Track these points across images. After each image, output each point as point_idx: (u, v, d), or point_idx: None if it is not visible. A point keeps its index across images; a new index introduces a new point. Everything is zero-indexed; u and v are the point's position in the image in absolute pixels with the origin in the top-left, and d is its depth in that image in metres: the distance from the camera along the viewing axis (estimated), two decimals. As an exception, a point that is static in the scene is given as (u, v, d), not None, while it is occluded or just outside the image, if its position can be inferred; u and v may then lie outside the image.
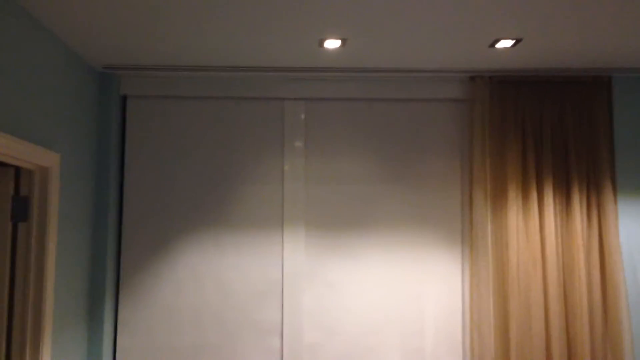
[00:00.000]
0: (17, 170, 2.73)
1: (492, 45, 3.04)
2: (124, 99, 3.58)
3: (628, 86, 3.53)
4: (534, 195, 3.38)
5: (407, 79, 3.57)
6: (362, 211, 3.54)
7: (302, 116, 3.57)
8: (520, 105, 3.46)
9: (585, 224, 3.38)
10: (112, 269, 3.41)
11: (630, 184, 3.48)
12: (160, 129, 3.56)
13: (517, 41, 2.99)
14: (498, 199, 3.41)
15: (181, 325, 3.43)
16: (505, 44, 3.02)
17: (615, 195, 3.42)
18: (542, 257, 3.35)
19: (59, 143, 2.93)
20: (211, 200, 3.52)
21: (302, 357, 3.42)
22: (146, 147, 3.55)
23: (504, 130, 3.44)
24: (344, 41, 2.99)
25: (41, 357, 2.69)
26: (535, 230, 3.35)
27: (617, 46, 3.08)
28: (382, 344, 3.45)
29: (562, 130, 3.46)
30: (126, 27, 2.82)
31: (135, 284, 3.46)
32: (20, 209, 2.71)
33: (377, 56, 3.23)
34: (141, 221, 3.50)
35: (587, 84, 3.48)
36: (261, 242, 3.50)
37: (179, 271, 3.46)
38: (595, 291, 3.32)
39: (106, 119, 3.43)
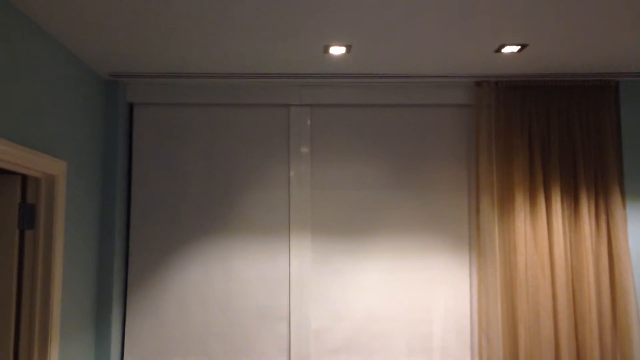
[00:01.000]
0: (24, 178, 2.75)
1: (498, 50, 3.03)
2: (131, 106, 3.60)
3: (635, 91, 3.51)
4: (541, 200, 3.36)
5: (413, 84, 3.56)
6: (369, 217, 3.53)
7: (308, 122, 3.58)
8: (526, 110, 3.45)
9: (593, 229, 3.36)
10: (119, 276, 3.42)
11: (638, 189, 3.45)
12: (166, 136, 3.57)
13: (523, 46, 2.98)
14: (505, 204, 3.40)
15: (190, 335, 3.43)
16: (511, 49, 3.01)
17: (623, 199, 3.40)
18: (550, 263, 3.33)
19: (66, 151, 2.95)
20: (217, 207, 3.52)
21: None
22: (153, 154, 3.56)
23: (511, 135, 3.43)
24: (349, 47, 2.99)
25: (48, 364, 2.70)
26: (543, 235, 3.33)
27: (623, 51, 3.06)
28: (391, 350, 3.43)
29: (569, 135, 3.44)
30: (132, 35, 2.83)
31: (142, 292, 3.46)
32: (27, 217, 2.72)
33: (382, 62, 3.23)
34: (148, 228, 3.50)
35: (594, 89, 3.46)
36: (268, 248, 3.50)
37: (185, 278, 3.47)
38: (605, 296, 3.29)
39: (113, 127, 3.44)
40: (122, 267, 3.46)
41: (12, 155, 2.41)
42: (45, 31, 2.74)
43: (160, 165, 3.55)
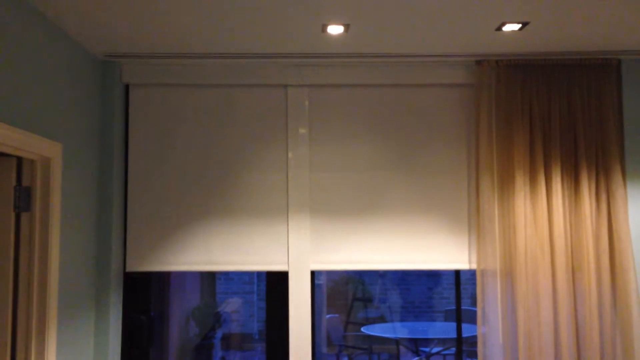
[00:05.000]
0: (19, 160, 2.73)
1: (499, 28, 2.99)
2: (127, 87, 3.56)
3: (637, 69, 3.47)
4: (541, 180, 3.34)
5: (412, 64, 3.52)
6: (368, 198, 3.52)
7: (306, 103, 3.54)
8: (527, 89, 3.42)
9: (594, 209, 3.34)
10: (117, 257, 3.41)
11: (639, 168, 3.43)
12: (163, 117, 3.55)
13: (524, 24, 2.94)
14: (505, 185, 3.38)
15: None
16: (512, 27, 2.97)
17: (624, 179, 3.38)
18: (550, 243, 3.32)
19: (61, 133, 2.92)
20: (215, 188, 3.50)
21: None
22: (149, 135, 3.53)
23: (511, 114, 3.40)
24: (347, 27, 2.95)
25: (47, 347, 2.69)
26: (543, 216, 3.32)
27: (626, 29, 3.03)
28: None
29: (570, 114, 3.41)
30: (128, 15, 2.79)
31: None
32: (23, 199, 2.70)
33: (381, 41, 3.19)
34: (146, 209, 3.49)
35: (596, 68, 3.42)
36: (266, 230, 3.48)
37: (186, 260, 3.46)
38: (604, 277, 3.29)
39: (109, 108, 3.42)
40: (120, 249, 3.45)
41: (7, 138, 2.39)
42: (39, 11, 2.70)
43: (156, 147, 3.53)
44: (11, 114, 2.45)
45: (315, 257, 3.47)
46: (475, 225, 3.48)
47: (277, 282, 3.52)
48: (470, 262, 3.48)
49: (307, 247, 3.46)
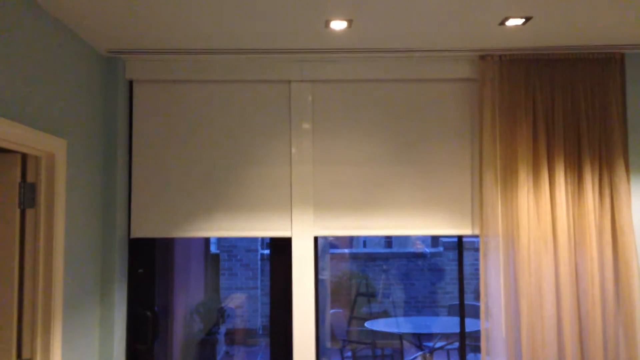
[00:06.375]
0: (24, 156, 2.73)
1: (502, 23, 2.99)
2: (130, 83, 3.57)
3: (641, 63, 3.47)
4: (545, 174, 3.34)
5: (415, 59, 3.52)
6: (371, 193, 3.52)
7: (310, 98, 3.55)
8: (531, 84, 3.41)
9: (597, 204, 3.34)
10: (122, 253, 3.42)
11: (643, 163, 3.43)
12: (167, 113, 3.55)
13: (528, 19, 2.94)
14: (508, 179, 3.38)
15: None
16: (515, 22, 2.97)
17: (627, 174, 3.38)
18: (553, 237, 3.32)
19: (66, 129, 2.93)
20: (218, 184, 3.51)
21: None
22: (153, 131, 3.54)
23: (515, 109, 3.40)
24: (350, 22, 2.95)
25: (52, 341, 2.71)
26: (547, 210, 3.32)
27: (629, 22, 3.02)
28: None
29: (574, 108, 3.41)
30: (131, 11, 2.79)
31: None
32: (28, 196, 2.71)
33: (384, 36, 3.19)
34: (150, 205, 3.50)
35: (599, 62, 3.42)
36: (270, 225, 3.49)
37: (191, 227, 3.47)
38: (607, 270, 3.29)
39: (112, 104, 3.42)
40: (124, 244, 3.46)
41: (12, 134, 2.39)
42: (42, 8, 2.71)
43: (160, 142, 3.53)
44: (15, 110, 2.46)
45: (319, 224, 3.50)
46: (478, 219, 3.48)
47: (281, 252, 3.54)
48: (472, 233, 3.48)
49: (310, 217, 3.47)
